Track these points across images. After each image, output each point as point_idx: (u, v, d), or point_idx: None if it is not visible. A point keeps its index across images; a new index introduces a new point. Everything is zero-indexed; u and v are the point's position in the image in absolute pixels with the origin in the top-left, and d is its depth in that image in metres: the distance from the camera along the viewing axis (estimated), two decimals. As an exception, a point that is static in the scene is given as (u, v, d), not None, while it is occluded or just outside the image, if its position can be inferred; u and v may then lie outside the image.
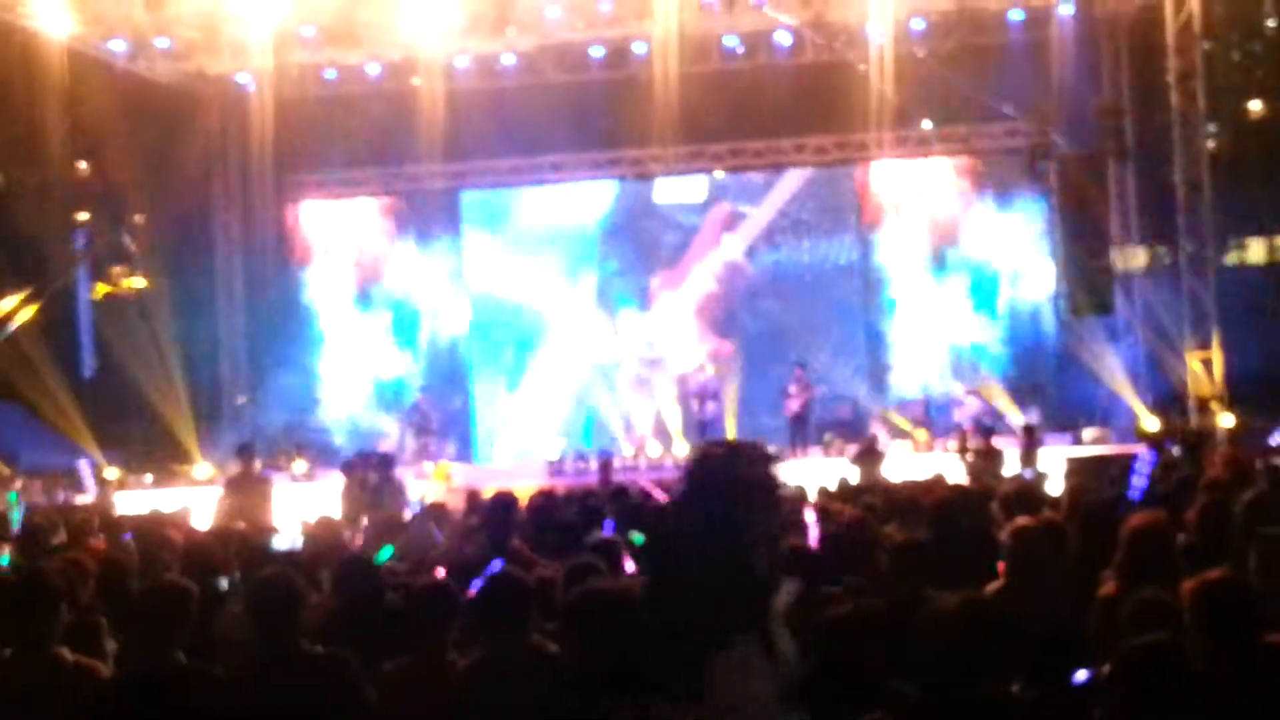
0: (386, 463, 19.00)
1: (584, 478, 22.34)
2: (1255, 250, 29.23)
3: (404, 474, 20.65)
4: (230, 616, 7.70)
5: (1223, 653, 5.10)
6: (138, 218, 26.85)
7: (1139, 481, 11.91)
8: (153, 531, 11.85)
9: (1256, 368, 23.89)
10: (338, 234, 29.71)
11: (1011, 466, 19.62)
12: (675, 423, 27.53)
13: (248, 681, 6.19)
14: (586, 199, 29.31)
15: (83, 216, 26.64)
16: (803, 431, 25.84)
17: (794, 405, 25.82)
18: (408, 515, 14.98)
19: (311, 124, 27.62)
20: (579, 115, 27.41)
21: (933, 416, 26.36)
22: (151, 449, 26.95)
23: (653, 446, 26.70)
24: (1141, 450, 19.21)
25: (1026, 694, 5.68)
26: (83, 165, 26.49)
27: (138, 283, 27.78)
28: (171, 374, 26.29)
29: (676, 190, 28.94)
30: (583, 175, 28.94)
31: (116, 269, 27.09)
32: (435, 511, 13.98)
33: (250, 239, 29.32)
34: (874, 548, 8.41)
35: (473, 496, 14.99)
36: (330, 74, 27.19)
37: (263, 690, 6.09)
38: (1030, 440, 20.56)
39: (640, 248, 29.28)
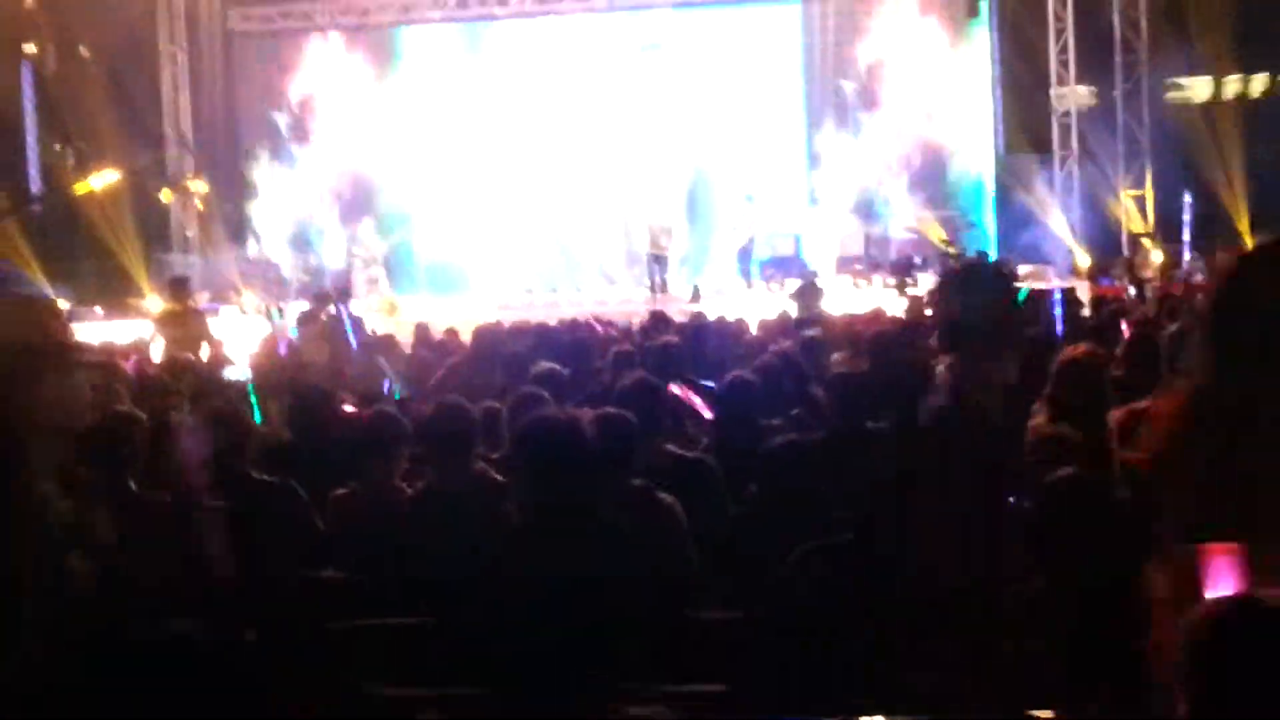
0: (342, 296, 18.45)
1: (531, 313, 22.31)
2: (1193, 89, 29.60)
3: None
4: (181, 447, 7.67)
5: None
6: (83, 50, 26.64)
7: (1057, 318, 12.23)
8: (105, 363, 11.81)
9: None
10: (280, 71, 29.41)
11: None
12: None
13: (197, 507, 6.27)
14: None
15: (30, 49, 26.40)
16: (746, 266, 26.10)
17: (739, 239, 26.12)
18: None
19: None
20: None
21: (872, 253, 26.75)
22: (102, 282, 27.03)
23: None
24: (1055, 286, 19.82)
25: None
26: (29, -2, 26.23)
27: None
28: (123, 206, 26.31)
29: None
30: (531, 9, 28.59)
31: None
32: (383, 343, 13.97)
33: (196, 74, 29.11)
34: (813, 380, 8.77)
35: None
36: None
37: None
38: (967, 276, 20.58)
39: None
